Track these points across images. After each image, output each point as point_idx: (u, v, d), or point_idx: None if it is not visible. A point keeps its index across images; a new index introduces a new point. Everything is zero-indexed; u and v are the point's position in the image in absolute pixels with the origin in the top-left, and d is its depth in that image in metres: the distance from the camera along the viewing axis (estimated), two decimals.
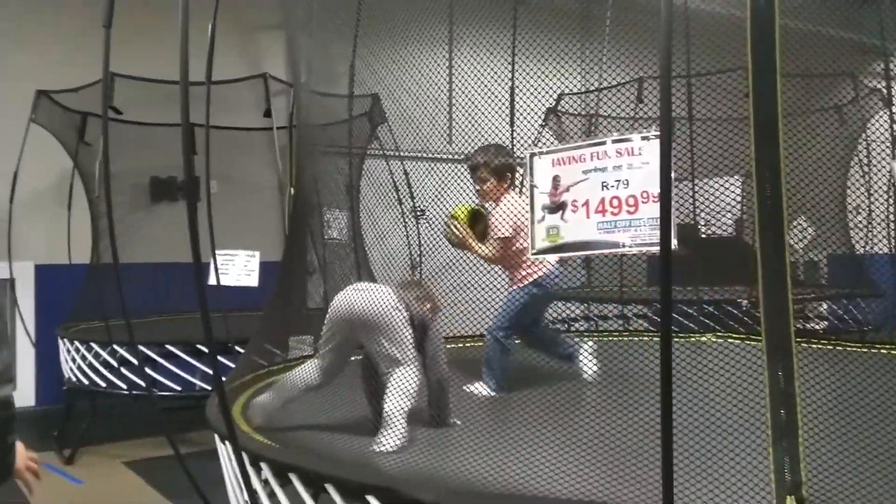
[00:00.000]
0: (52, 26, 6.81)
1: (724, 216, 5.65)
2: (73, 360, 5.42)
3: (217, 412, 2.48)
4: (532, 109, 3.57)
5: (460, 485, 2.06)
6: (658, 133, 1.89)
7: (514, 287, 3.51)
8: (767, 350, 1.71)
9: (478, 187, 3.55)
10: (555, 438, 2.35)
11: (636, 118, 5.52)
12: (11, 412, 1.70)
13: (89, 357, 5.29)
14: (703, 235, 5.96)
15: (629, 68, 4.99)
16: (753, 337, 3.91)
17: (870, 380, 2.68)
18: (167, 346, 5.15)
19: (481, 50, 3.69)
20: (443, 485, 2.07)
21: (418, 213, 3.70)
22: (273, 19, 7.38)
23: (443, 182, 3.59)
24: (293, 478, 2.18)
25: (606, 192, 2.09)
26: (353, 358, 2.86)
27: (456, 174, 3.60)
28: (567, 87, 4.25)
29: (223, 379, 2.70)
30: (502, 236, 3.42)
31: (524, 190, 2.74)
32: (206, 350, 4.89)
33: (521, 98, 3.68)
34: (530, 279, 3.46)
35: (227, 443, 2.46)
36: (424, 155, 3.61)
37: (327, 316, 2.78)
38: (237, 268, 5.02)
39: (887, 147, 5.69)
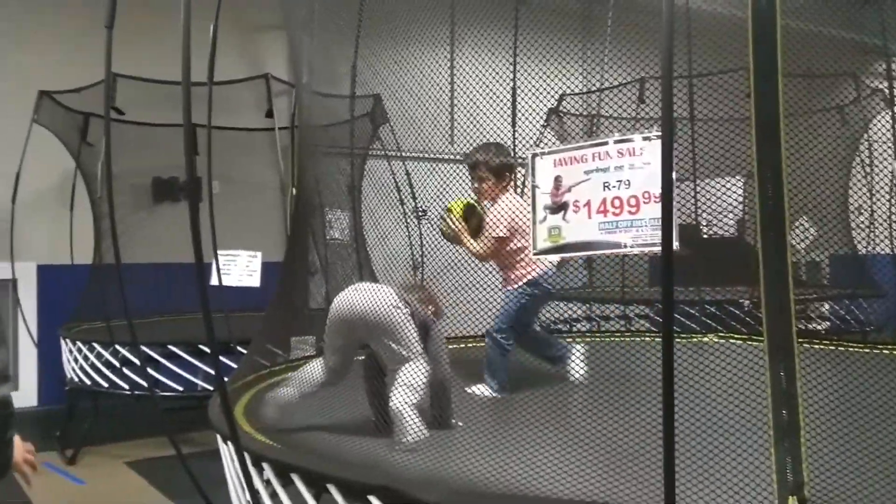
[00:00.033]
0: (54, 27, 6.82)
1: (725, 216, 5.65)
2: (76, 360, 5.42)
3: (219, 412, 2.48)
4: (534, 110, 3.57)
5: (462, 485, 2.06)
6: (659, 133, 1.89)
7: (510, 287, 3.51)
8: (769, 350, 1.71)
9: (476, 186, 3.54)
10: (556, 439, 2.35)
11: (638, 118, 5.52)
12: (10, 411, 1.74)
13: (91, 357, 5.30)
14: (705, 236, 5.96)
15: (631, 69, 4.99)
16: (755, 337, 3.91)
17: (872, 380, 2.68)
18: (169, 347, 5.16)
19: (483, 50, 3.69)
20: (445, 485, 2.07)
21: (420, 214, 3.70)
22: (275, 20, 7.39)
23: (445, 183, 3.59)
24: (295, 478, 2.18)
25: (608, 193, 2.09)
26: (357, 358, 2.86)
27: (458, 175, 3.60)
28: (569, 87, 4.25)
29: (225, 379, 2.70)
30: (497, 236, 3.41)
31: (526, 190, 2.74)
32: (208, 350, 4.90)
33: (522, 98, 3.68)
34: (526, 279, 3.46)
35: (229, 443, 2.46)
36: (426, 155, 3.61)
37: (328, 318, 2.77)
38: (239, 268, 5.03)
39: (889, 147, 5.69)
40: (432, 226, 3.72)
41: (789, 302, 1.70)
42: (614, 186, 2.08)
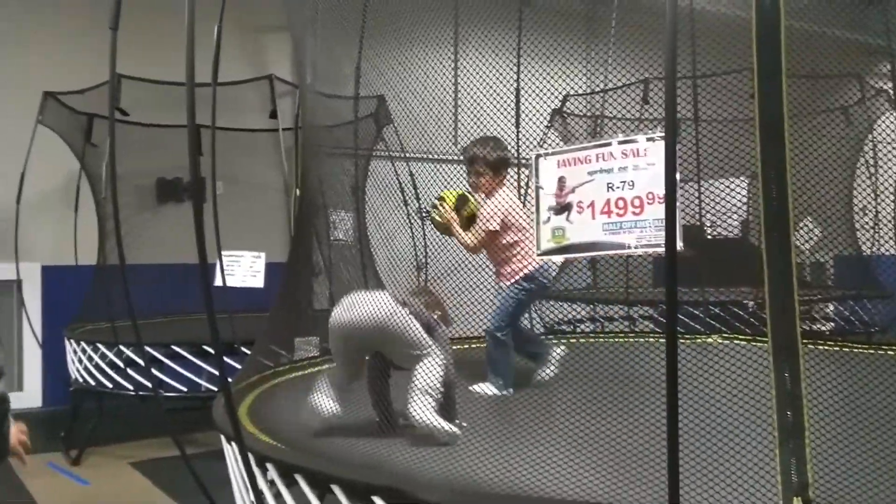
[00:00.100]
0: (58, 28, 6.84)
1: (729, 217, 5.64)
2: (80, 360, 5.43)
3: (223, 413, 2.49)
4: (537, 111, 3.57)
5: (466, 486, 2.06)
6: (663, 134, 1.89)
7: (506, 283, 3.50)
8: (774, 351, 1.71)
9: (473, 180, 3.52)
10: (560, 439, 2.35)
11: (642, 119, 5.52)
12: (6, 406, 1.90)
13: (96, 358, 5.31)
14: (709, 236, 5.95)
15: (634, 69, 4.99)
16: (759, 338, 3.91)
17: (876, 381, 2.67)
18: (173, 347, 5.17)
19: (486, 51, 3.69)
20: (448, 486, 2.07)
21: (424, 215, 3.70)
22: (278, 21, 7.39)
23: (448, 183, 3.59)
24: (299, 478, 2.18)
25: (612, 194, 2.09)
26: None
27: (462, 176, 3.60)
28: (572, 88, 4.25)
29: (229, 380, 2.70)
30: (489, 229, 3.41)
31: (530, 190, 2.74)
32: (212, 351, 4.91)
33: (526, 99, 3.68)
34: (521, 274, 3.45)
35: (233, 443, 2.47)
36: (430, 156, 3.61)
37: (329, 333, 2.75)
38: (243, 269, 5.03)
39: (894, 148, 5.68)
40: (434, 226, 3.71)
41: (794, 303, 1.69)
42: (618, 187, 2.08)
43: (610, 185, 2.09)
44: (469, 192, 3.55)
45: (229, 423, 2.30)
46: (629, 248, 2.06)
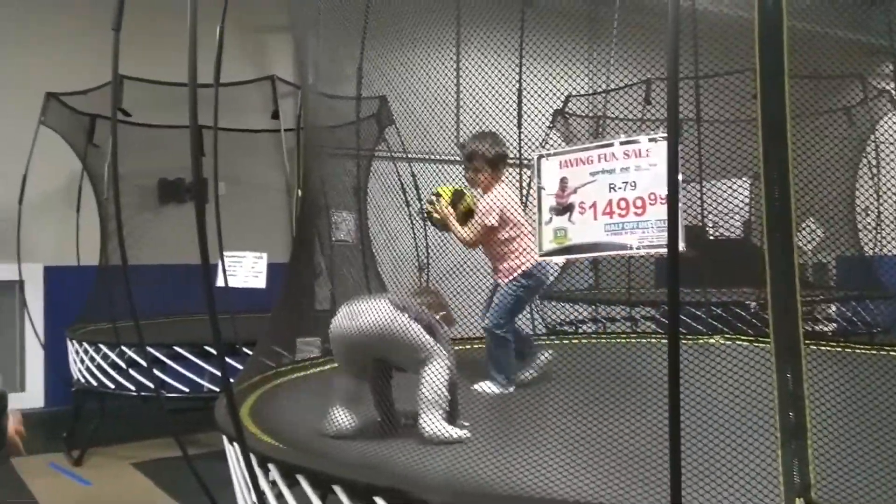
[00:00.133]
0: (60, 29, 6.84)
1: (732, 218, 5.64)
2: (82, 361, 5.44)
3: (225, 413, 2.49)
4: (539, 111, 3.57)
5: (468, 486, 2.06)
6: (666, 135, 1.89)
7: (504, 280, 3.49)
8: (776, 352, 1.70)
9: (470, 176, 3.51)
10: (562, 440, 2.35)
11: (644, 120, 5.52)
12: (4, 402, 1.99)
13: (98, 358, 5.31)
14: (711, 237, 5.95)
15: (637, 70, 4.99)
16: (762, 339, 3.90)
17: (879, 382, 2.67)
18: (175, 348, 5.17)
19: (489, 52, 3.68)
20: (450, 486, 2.07)
21: (424, 216, 3.70)
22: (280, 21, 7.40)
23: (449, 182, 3.59)
24: (301, 479, 2.18)
25: (614, 194, 2.08)
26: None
27: (464, 176, 3.60)
28: (574, 88, 4.25)
29: (231, 380, 2.70)
30: (487, 223, 3.40)
31: (532, 191, 2.74)
32: (214, 351, 4.91)
33: (528, 100, 3.68)
34: (520, 270, 3.45)
35: (235, 444, 2.47)
36: (432, 157, 3.61)
37: (331, 341, 2.72)
38: (245, 269, 5.03)
39: None
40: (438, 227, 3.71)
41: (796, 303, 1.69)
42: (620, 188, 2.08)
43: (612, 186, 2.09)
44: (465, 188, 3.54)
45: (231, 423, 2.31)
46: (631, 248, 2.06)
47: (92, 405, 5.49)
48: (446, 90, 3.54)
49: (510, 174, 3.67)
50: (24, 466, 5.08)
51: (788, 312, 1.69)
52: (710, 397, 2.15)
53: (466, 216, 3.48)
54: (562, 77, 3.57)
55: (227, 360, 3.47)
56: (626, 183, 2.06)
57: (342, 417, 2.57)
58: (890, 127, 5.77)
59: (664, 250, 1.74)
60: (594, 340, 4.94)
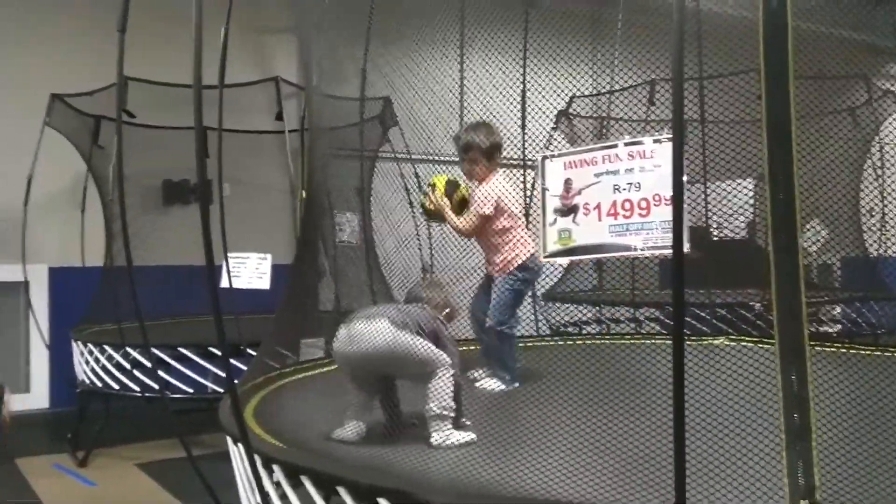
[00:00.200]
0: (65, 30, 6.86)
1: (736, 219, 5.63)
2: (87, 362, 5.45)
3: (229, 414, 2.49)
4: (543, 112, 3.57)
5: (471, 487, 2.06)
6: (670, 136, 1.89)
7: (500, 274, 3.47)
8: (781, 353, 1.70)
9: (466, 167, 3.49)
10: (566, 441, 2.35)
11: (648, 121, 5.52)
12: (2, 398, 1.89)
13: (102, 359, 5.32)
14: (716, 238, 5.94)
15: (641, 71, 4.99)
16: (766, 340, 3.90)
17: (883, 383, 2.66)
18: (180, 349, 5.17)
19: (493, 53, 3.69)
20: (454, 487, 2.07)
21: (429, 219, 3.69)
22: (285, 23, 7.42)
23: (446, 174, 3.57)
24: (305, 480, 2.18)
25: (618, 195, 2.08)
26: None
27: (460, 168, 3.58)
28: (578, 89, 4.25)
29: (235, 381, 2.70)
30: (483, 213, 3.39)
31: (536, 192, 2.74)
32: (218, 352, 4.91)
33: (532, 101, 3.68)
34: (516, 263, 3.44)
35: (239, 445, 2.47)
36: (436, 158, 3.61)
37: (335, 360, 2.69)
38: (249, 270, 5.04)
39: None
40: (442, 228, 3.71)
41: (801, 304, 1.69)
42: (625, 189, 2.08)
43: (616, 187, 2.09)
44: (461, 178, 3.52)
45: (235, 424, 2.31)
46: (636, 249, 2.06)
47: (96, 406, 5.50)
48: (450, 91, 3.55)
49: (515, 174, 3.67)
50: (29, 467, 5.10)
51: (793, 314, 1.69)
52: (714, 398, 2.14)
53: (461, 206, 3.46)
54: (566, 78, 3.57)
55: (232, 361, 3.48)
56: (631, 184, 2.06)
57: (351, 427, 2.56)
58: (894, 127, 5.76)
59: (669, 251, 1.74)
60: (598, 341, 4.93)
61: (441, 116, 3.52)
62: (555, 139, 5.45)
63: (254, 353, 4.38)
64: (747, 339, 4.69)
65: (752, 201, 5.05)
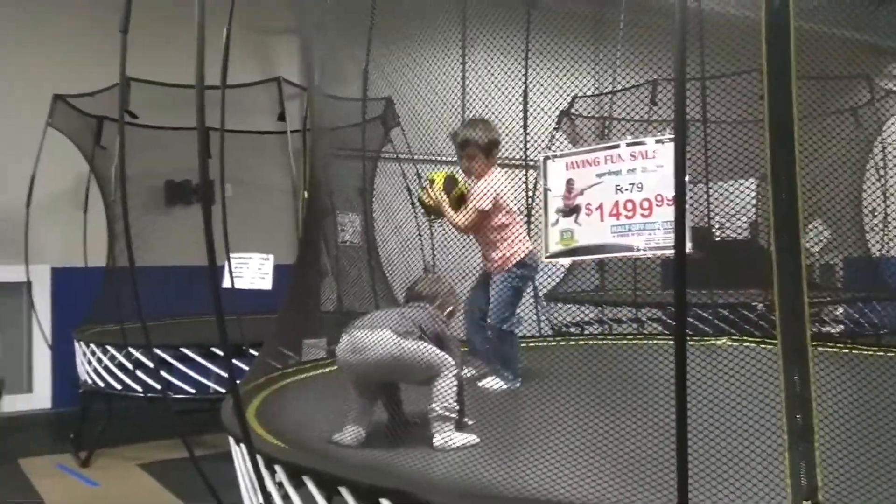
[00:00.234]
0: (68, 31, 6.87)
1: (738, 219, 5.63)
2: (89, 362, 5.45)
3: (232, 414, 2.49)
4: (545, 112, 3.57)
5: (473, 488, 2.06)
6: (672, 136, 1.89)
7: (498, 272, 3.47)
8: (783, 354, 1.70)
9: (464, 164, 3.48)
10: (568, 441, 2.35)
11: (650, 121, 5.51)
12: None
13: (105, 360, 5.33)
14: (718, 238, 5.94)
15: (643, 71, 4.98)
16: (769, 341, 3.89)
17: (886, 384, 2.66)
18: (182, 349, 5.18)
19: (494, 53, 3.68)
20: (456, 488, 2.07)
21: (432, 217, 3.69)
22: (287, 23, 7.42)
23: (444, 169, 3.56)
24: (307, 480, 2.19)
25: (620, 196, 2.08)
26: None
27: (458, 165, 3.57)
28: (580, 89, 4.25)
29: (237, 381, 2.71)
30: (481, 208, 3.38)
31: (538, 192, 2.74)
32: (220, 353, 4.92)
33: (534, 101, 3.68)
34: (514, 260, 3.43)
35: (241, 445, 2.47)
36: (438, 158, 3.61)
37: (338, 368, 2.68)
38: (251, 271, 5.04)
39: None
40: (444, 228, 3.71)
41: (803, 305, 1.69)
42: (627, 189, 2.08)
43: (618, 188, 2.09)
44: (458, 174, 3.51)
45: (238, 424, 2.31)
46: (638, 250, 2.06)
47: (99, 406, 5.50)
48: (452, 92, 3.54)
49: (516, 175, 3.66)
50: (31, 467, 5.10)
51: (796, 314, 1.69)
52: (716, 399, 2.14)
53: (459, 202, 3.45)
54: (568, 78, 3.57)
55: (234, 361, 3.48)
56: (633, 184, 2.06)
57: (350, 432, 2.56)
58: None
59: (671, 252, 1.74)
60: (600, 342, 4.93)
61: (443, 116, 3.51)
62: (557, 139, 5.46)
63: (256, 353, 4.39)
64: (750, 339, 4.69)
65: (754, 201, 5.05)
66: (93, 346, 5.45)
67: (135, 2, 2.48)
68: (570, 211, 2.21)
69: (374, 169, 5.20)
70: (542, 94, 3.45)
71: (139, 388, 5.15)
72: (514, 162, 4.42)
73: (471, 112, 3.68)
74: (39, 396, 6.73)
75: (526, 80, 4.40)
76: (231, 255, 4.65)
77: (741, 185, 3.81)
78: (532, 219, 4.20)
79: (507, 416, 3.02)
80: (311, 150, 5.53)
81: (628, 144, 2.10)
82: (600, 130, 6.28)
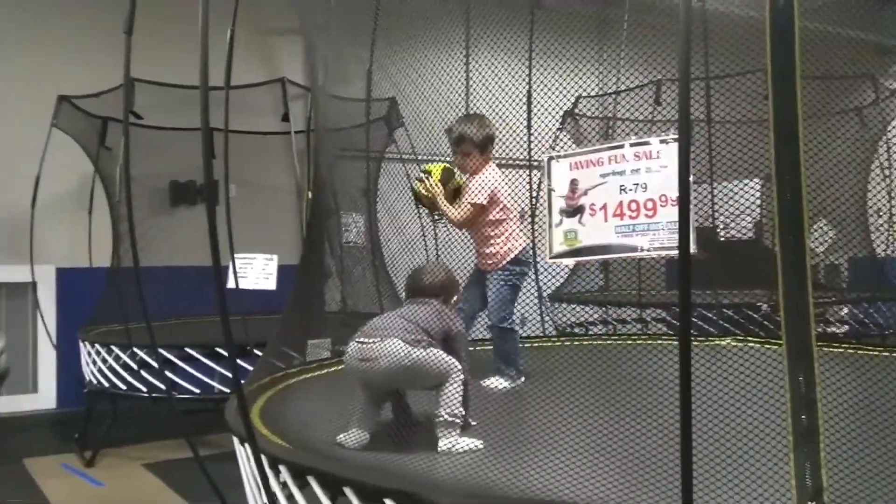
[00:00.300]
0: (73, 32, 6.88)
1: (743, 219, 5.62)
2: (94, 362, 5.47)
3: (236, 414, 2.49)
4: (549, 112, 3.57)
5: (477, 488, 2.06)
6: (676, 136, 1.89)
7: (493, 269, 3.46)
8: (788, 354, 1.69)
9: (459, 160, 3.45)
10: (572, 442, 2.34)
11: (654, 121, 5.51)
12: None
13: (110, 360, 5.34)
14: (722, 239, 5.93)
15: (646, 71, 4.98)
16: (773, 341, 3.88)
17: (891, 384, 2.65)
18: (187, 349, 5.19)
19: (498, 53, 3.68)
20: (460, 489, 2.07)
21: (436, 217, 3.69)
22: (291, 24, 7.42)
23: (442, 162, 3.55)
24: (311, 480, 2.19)
25: (624, 196, 2.08)
26: None
27: (454, 161, 3.56)
28: (584, 89, 4.24)
29: (242, 381, 2.71)
30: (477, 202, 3.36)
31: (542, 192, 2.73)
32: (225, 353, 4.92)
33: (538, 101, 3.68)
34: (509, 257, 3.42)
35: (245, 445, 2.47)
36: (442, 159, 3.60)
37: (347, 372, 2.67)
38: (255, 271, 5.04)
39: None
40: (447, 229, 3.71)
41: (808, 305, 1.68)
42: (631, 189, 2.07)
43: (622, 188, 2.09)
44: (454, 165, 3.49)
45: (242, 424, 2.31)
46: (642, 250, 2.06)
47: (104, 406, 5.52)
48: (455, 92, 3.54)
49: (520, 175, 3.66)
50: (36, 467, 5.11)
51: (801, 314, 1.68)
52: (721, 400, 2.14)
53: (455, 195, 3.42)
54: (571, 78, 3.57)
55: (238, 361, 3.49)
56: (637, 185, 2.06)
57: (354, 434, 2.56)
58: None
59: (675, 252, 1.73)
60: (605, 342, 4.92)
61: (446, 117, 3.51)
62: (561, 140, 5.45)
63: (260, 353, 4.39)
64: (754, 339, 4.68)
65: (758, 201, 5.05)
66: (98, 346, 5.46)
67: (139, 3, 2.49)
68: (574, 211, 2.21)
69: (377, 169, 5.21)
70: (545, 94, 3.44)
71: (144, 388, 5.16)
72: (518, 162, 4.42)
73: (474, 112, 3.67)
74: (44, 396, 6.74)
75: (530, 80, 4.41)
76: (235, 255, 4.66)
77: (745, 185, 3.81)
78: (536, 219, 4.19)
79: (511, 416, 3.02)
80: (315, 150, 5.54)
81: (632, 145, 2.09)
82: (604, 130, 6.28)
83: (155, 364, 4.91)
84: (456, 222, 3.42)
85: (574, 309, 6.06)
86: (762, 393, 2.14)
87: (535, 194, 4.85)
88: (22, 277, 6.37)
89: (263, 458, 2.32)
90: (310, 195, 5.15)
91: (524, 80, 4.41)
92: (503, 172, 3.60)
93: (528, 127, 4.56)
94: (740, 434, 2.18)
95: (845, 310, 6.53)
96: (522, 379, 3.42)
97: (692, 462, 1.60)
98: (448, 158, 3.55)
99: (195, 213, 6.93)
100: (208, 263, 2.10)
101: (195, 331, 5.59)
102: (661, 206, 2.01)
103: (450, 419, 2.48)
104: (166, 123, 6.28)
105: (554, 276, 5.85)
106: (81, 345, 5.70)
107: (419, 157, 4.59)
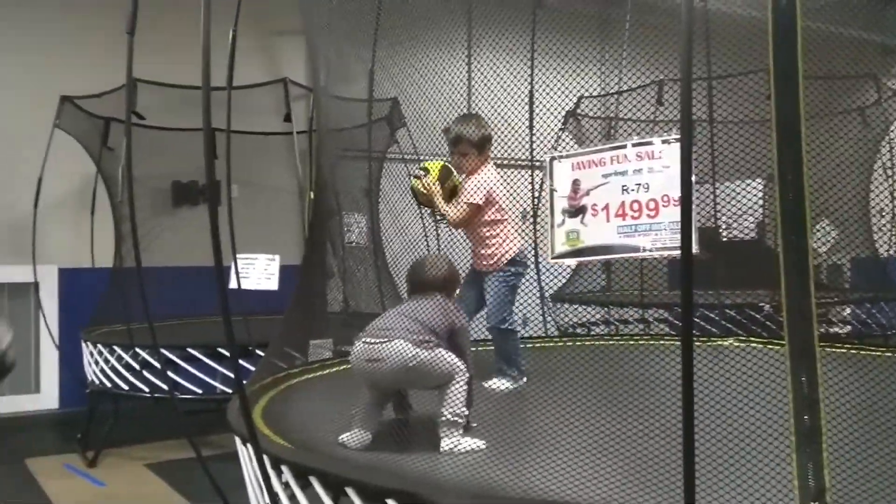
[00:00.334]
0: (75, 32, 6.89)
1: (745, 219, 5.61)
2: (96, 362, 5.47)
3: (238, 415, 2.49)
4: (551, 112, 3.56)
5: (479, 489, 2.06)
6: (678, 136, 1.89)
7: (490, 270, 3.46)
8: (791, 355, 1.69)
9: (456, 160, 3.44)
10: (574, 442, 2.34)
11: (656, 121, 5.50)
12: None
13: (112, 360, 5.34)
14: (725, 239, 5.93)
15: (649, 71, 4.97)
16: (776, 341, 3.88)
17: (894, 384, 2.65)
18: (189, 350, 5.19)
19: (500, 53, 3.68)
20: (462, 489, 2.07)
21: (438, 217, 3.69)
22: (293, 24, 7.42)
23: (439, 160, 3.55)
24: (313, 481, 2.19)
25: (627, 196, 2.08)
26: None
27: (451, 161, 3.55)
28: (586, 89, 4.24)
29: (244, 382, 2.71)
30: (474, 202, 3.36)
31: (544, 193, 2.73)
32: (227, 353, 4.92)
33: (540, 101, 3.67)
34: (506, 258, 3.42)
35: (248, 445, 2.48)
36: (444, 159, 3.60)
37: (353, 372, 2.66)
38: (257, 271, 5.05)
39: None
40: (450, 229, 3.70)
41: (811, 305, 1.68)
42: (633, 190, 2.07)
43: (625, 188, 2.09)
44: (452, 163, 3.49)
45: (244, 425, 2.31)
46: (644, 250, 2.05)
47: (106, 406, 5.52)
48: (458, 92, 3.54)
49: (522, 175, 3.65)
50: (39, 467, 5.12)
51: (803, 315, 1.68)
52: (723, 400, 2.14)
53: (452, 194, 3.41)
54: (574, 78, 3.56)
55: (240, 361, 3.49)
56: (639, 185, 2.06)
57: (356, 435, 2.55)
58: None
59: (677, 252, 1.73)
60: (607, 342, 4.92)
61: (449, 117, 3.51)
62: (563, 140, 5.45)
63: (262, 353, 4.40)
64: (757, 340, 4.68)
65: (761, 201, 5.04)
66: (100, 346, 5.46)
67: (141, 4, 2.49)
68: (576, 211, 2.21)
69: (379, 170, 5.21)
70: (548, 94, 3.44)
71: (146, 389, 5.17)
72: (520, 162, 4.42)
73: (476, 112, 3.67)
74: (46, 396, 6.75)
75: (532, 80, 4.40)
76: (237, 255, 4.66)
77: (748, 185, 3.80)
78: (538, 219, 4.19)
79: (513, 416, 3.02)
80: (317, 150, 5.54)
81: (634, 145, 2.09)
82: (606, 131, 6.27)
83: (157, 364, 4.91)
84: (452, 221, 3.42)
85: (576, 309, 6.06)
86: (765, 393, 2.14)
87: (537, 194, 4.85)
88: (24, 277, 6.38)
89: (265, 458, 2.32)
90: (312, 195, 5.15)
91: (526, 80, 4.40)
92: (504, 172, 3.60)
93: (531, 127, 4.56)
94: (743, 434, 2.18)
95: (848, 310, 6.52)
96: (524, 379, 3.42)
97: (694, 462, 1.59)
98: (449, 158, 3.55)
99: (197, 213, 6.94)
100: (210, 264, 2.10)
101: (197, 331, 5.59)
102: (664, 206, 2.00)
103: (452, 419, 2.48)
104: (168, 124, 6.28)
105: (556, 277, 5.84)
106: (84, 345, 5.71)
107: (421, 158, 4.59)
